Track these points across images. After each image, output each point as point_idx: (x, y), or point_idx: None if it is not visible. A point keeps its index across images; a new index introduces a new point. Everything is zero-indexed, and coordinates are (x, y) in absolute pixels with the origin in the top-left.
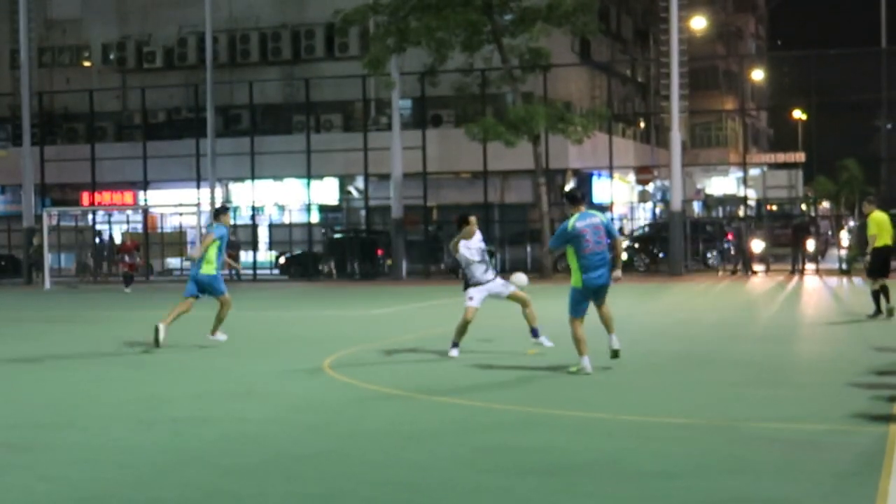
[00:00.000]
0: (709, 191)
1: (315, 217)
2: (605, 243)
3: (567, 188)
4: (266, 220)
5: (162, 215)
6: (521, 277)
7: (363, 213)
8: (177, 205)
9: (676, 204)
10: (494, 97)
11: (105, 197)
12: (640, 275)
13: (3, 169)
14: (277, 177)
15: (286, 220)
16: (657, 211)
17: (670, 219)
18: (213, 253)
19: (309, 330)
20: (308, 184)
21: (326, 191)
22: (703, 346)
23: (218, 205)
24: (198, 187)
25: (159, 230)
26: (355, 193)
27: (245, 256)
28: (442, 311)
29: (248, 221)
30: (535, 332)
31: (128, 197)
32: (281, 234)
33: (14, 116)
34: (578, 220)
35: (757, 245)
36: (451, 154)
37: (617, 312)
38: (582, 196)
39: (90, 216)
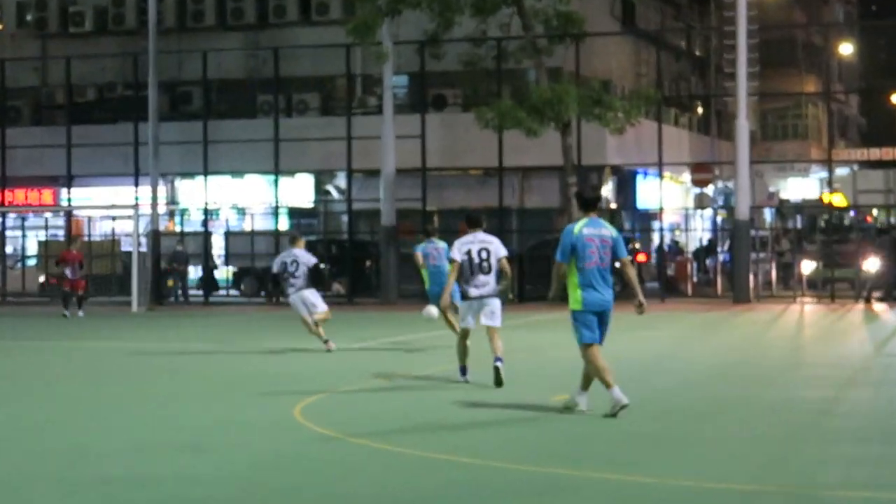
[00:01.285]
0: (784, 195)
1: (284, 223)
2: (608, 262)
3: (582, 189)
4: (222, 226)
5: (90, 219)
6: (431, 311)
7: (345, 218)
8: (109, 206)
9: (743, 211)
10: (513, 74)
11: (17, 196)
12: (697, 300)
13: None
14: (237, 172)
15: (247, 227)
16: (718, 220)
17: (735, 230)
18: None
19: (276, 367)
20: (276, 181)
21: (299, 190)
22: (774, 389)
23: (164, 206)
24: (136, 184)
25: (86, 238)
26: (335, 194)
27: (195, 272)
28: (440, 344)
29: (199, 228)
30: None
31: (46, 196)
32: (240, 245)
33: None
34: (587, 227)
35: (807, 266)
36: (457, 145)
37: (664, 346)
38: (596, 199)
39: None
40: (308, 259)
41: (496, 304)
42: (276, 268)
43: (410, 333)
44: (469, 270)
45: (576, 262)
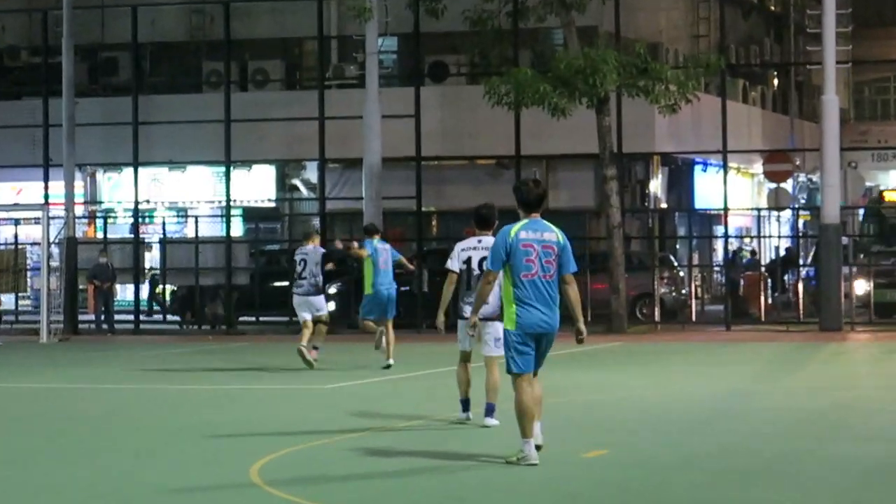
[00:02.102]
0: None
1: (237, 228)
2: (554, 274)
3: (523, 183)
4: (156, 232)
5: None
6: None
7: (317, 222)
8: (10, 206)
9: (831, 212)
10: (533, 35)
11: None
12: (771, 328)
13: None
14: (176, 163)
15: (189, 233)
16: (800, 224)
17: (822, 236)
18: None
19: (226, 415)
20: (226, 175)
21: (257, 186)
22: (873, 444)
23: (82, 207)
24: (45, 178)
25: None
26: (304, 191)
27: (122, 292)
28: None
29: (128, 235)
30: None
31: None
32: (181, 256)
33: None
34: (525, 229)
35: (860, 286)
36: (461, 127)
37: (730, 387)
38: (539, 197)
39: None
40: (316, 255)
41: (499, 328)
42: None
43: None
44: (466, 283)
45: (511, 273)
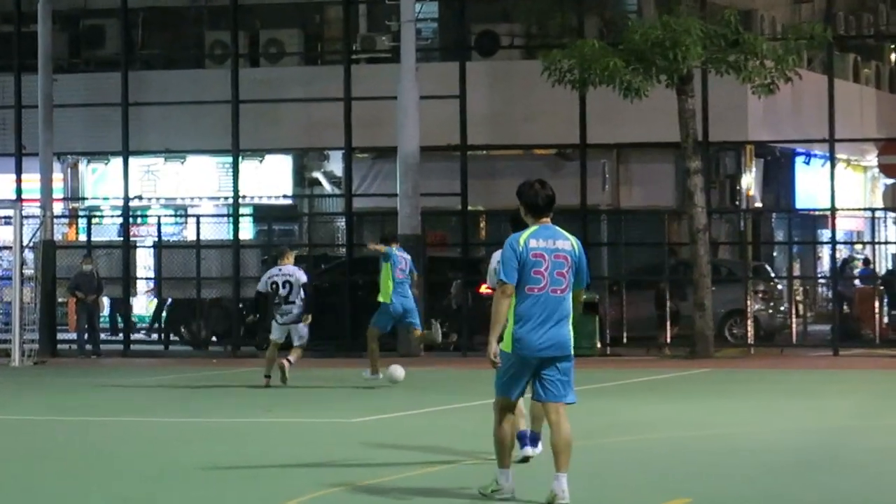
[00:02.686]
0: None
1: (246, 230)
2: (567, 288)
3: (528, 185)
4: (150, 234)
5: None
6: (396, 371)
7: (342, 223)
8: None
9: None
10: (602, 0)
11: None
12: (888, 352)
13: None
14: (174, 152)
15: (189, 236)
16: None
17: None
18: None
19: (236, 452)
20: (234, 166)
21: (270, 180)
22: None
23: (61, 204)
24: (17, 170)
25: None
26: (327, 186)
27: (108, 305)
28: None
29: (117, 237)
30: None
31: None
32: (178, 263)
33: None
34: (535, 237)
35: None
36: (515, 110)
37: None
38: (549, 198)
39: None
40: (301, 277)
41: None
42: (262, 286)
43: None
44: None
45: (518, 286)
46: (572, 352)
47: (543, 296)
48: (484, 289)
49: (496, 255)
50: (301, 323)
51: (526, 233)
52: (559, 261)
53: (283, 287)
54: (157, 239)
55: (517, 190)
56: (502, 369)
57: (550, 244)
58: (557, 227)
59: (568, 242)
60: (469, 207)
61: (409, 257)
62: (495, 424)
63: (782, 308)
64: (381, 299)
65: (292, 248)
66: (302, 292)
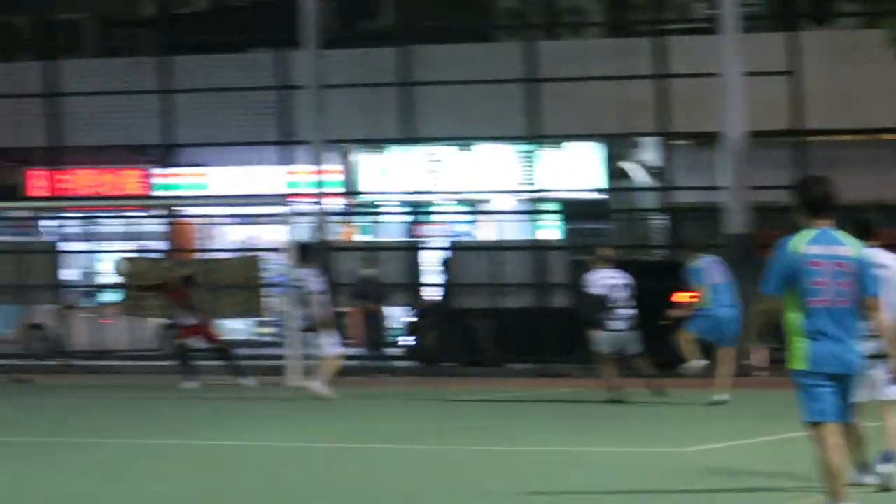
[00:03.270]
0: None
1: (552, 230)
2: (852, 299)
3: (806, 180)
4: (438, 234)
5: (210, 223)
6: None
7: (662, 221)
8: (238, 198)
9: None
10: None
11: (80, 180)
12: None
13: None
14: (462, 139)
15: (481, 235)
16: None
17: None
18: None
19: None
20: (532, 155)
21: (575, 170)
22: None
23: (336, 199)
24: (285, 161)
25: (203, 254)
26: (641, 177)
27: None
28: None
29: (399, 237)
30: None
31: (130, 181)
32: (469, 267)
33: None
34: (814, 243)
35: None
36: (858, 88)
37: None
38: (829, 196)
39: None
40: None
41: (881, 368)
42: (596, 290)
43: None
44: None
45: (797, 298)
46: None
47: (830, 309)
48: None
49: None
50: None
51: (802, 237)
52: (841, 270)
53: (621, 290)
54: (453, 241)
55: (794, 184)
56: (803, 394)
57: (830, 250)
58: (838, 232)
59: (849, 249)
60: None
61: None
62: (820, 454)
63: None
64: (703, 305)
65: (601, 248)
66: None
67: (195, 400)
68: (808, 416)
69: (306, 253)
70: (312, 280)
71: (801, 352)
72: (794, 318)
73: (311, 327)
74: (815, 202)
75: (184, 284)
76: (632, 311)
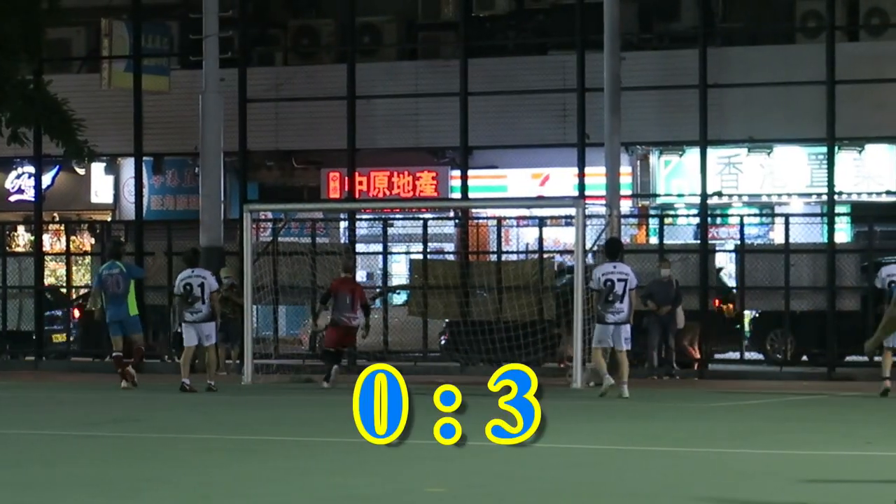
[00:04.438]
0: None
1: (843, 232)
2: None
3: None
4: (731, 237)
5: (499, 224)
6: None
7: None
8: (531, 200)
9: None
10: None
11: (377, 182)
12: None
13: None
14: (759, 141)
15: (777, 239)
16: None
17: None
18: None
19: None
20: (829, 157)
21: (872, 173)
22: None
23: (629, 201)
24: (580, 163)
25: (495, 254)
26: None
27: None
28: None
29: (692, 239)
30: None
31: (426, 183)
32: (763, 270)
33: None
34: None
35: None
36: None
37: None
38: None
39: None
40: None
41: None
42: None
43: None
44: None
45: None
46: None
47: None
48: None
49: None
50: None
51: None
52: None
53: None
54: (738, 241)
55: None
56: None
57: None
58: None
59: None
60: None
61: None
62: None
63: None
64: None
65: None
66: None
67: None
68: None
69: (614, 249)
70: (632, 275)
71: None
72: None
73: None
74: None
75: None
76: None
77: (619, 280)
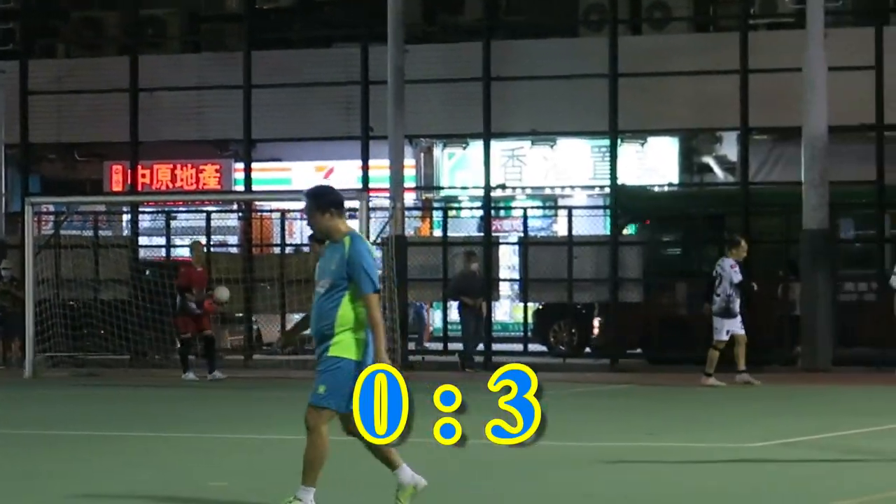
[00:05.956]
0: None
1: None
2: None
3: None
4: (515, 229)
5: (283, 217)
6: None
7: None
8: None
9: None
10: None
11: (160, 175)
12: None
13: None
14: (542, 134)
15: (560, 231)
16: None
17: None
18: None
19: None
20: (612, 150)
21: (653, 166)
22: None
23: (413, 194)
24: (364, 156)
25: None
26: (719, 172)
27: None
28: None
29: (476, 232)
30: None
31: (209, 175)
32: (548, 263)
33: None
34: None
35: None
36: None
37: None
38: None
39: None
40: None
41: None
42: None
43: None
44: None
45: None
46: None
47: None
48: None
49: None
50: None
51: None
52: None
53: None
54: (522, 234)
55: None
56: None
57: None
58: None
59: None
60: (889, 198)
61: None
62: None
63: None
64: None
65: None
66: None
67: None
68: None
69: None
70: None
71: None
72: None
73: None
74: None
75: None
76: None
77: None
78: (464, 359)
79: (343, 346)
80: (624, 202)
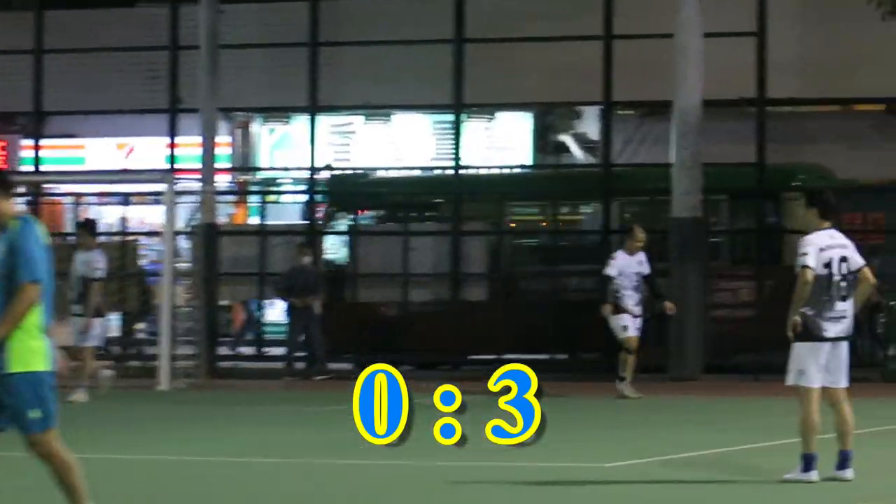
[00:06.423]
0: None
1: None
2: None
3: None
4: (341, 218)
5: (77, 202)
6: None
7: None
8: (114, 173)
9: None
10: None
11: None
12: None
13: None
14: (377, 108)
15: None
16: None
17: None
18: None
19: None
20: (456, 125)
21: (504, 142)
22: None
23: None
24: (171, 132)
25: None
26: (578, 152)
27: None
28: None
29: (301, 220)
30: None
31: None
32: (388, 252)
33: None
34: None
35: None
36: (832, 53)
37: None
38: None
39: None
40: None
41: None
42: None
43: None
44: (826, 292)
45: None
46: None
47: None
48: None
49: (807, 243)
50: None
51: None
52: None
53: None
54: (352, 224)
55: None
56: None
57: None
58: None
59: None
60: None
61: None
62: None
63: None
64: None
65: None
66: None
67: None
68: None
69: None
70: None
71: None
72: None
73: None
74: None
75: None
76: None
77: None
78: (311, 363)
79: (24, 357)
80: (333, 189)
